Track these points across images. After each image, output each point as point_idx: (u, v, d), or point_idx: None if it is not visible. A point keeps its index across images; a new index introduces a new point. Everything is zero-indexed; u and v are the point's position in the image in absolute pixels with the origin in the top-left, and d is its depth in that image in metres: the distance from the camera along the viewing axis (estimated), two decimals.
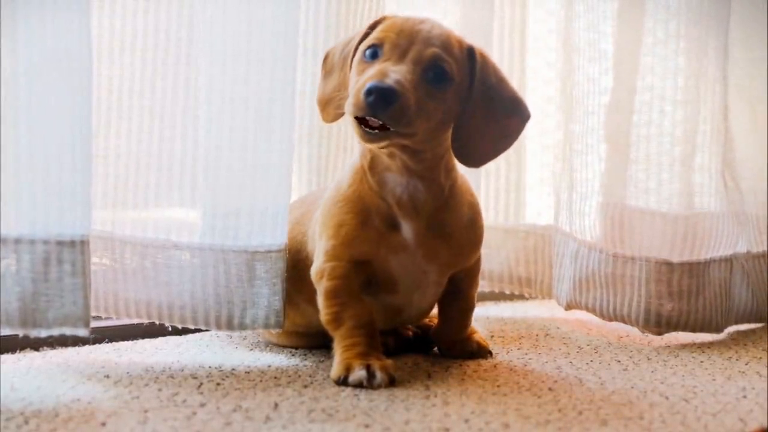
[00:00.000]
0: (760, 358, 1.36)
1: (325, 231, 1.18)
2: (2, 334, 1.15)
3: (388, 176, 1.16)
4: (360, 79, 1.08)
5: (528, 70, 1.67)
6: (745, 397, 1.12)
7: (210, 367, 1.20)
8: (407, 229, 1.17)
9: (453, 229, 1.20)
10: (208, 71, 1.22)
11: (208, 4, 1.22)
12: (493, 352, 1.32)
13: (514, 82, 1.48)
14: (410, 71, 1.08)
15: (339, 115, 1.18)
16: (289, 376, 1.16)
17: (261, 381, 1.13)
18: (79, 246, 1.08)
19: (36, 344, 1.26)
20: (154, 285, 1.23)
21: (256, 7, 1.21)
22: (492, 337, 1.45)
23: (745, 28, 1.63)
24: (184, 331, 1.36)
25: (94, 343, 1.31)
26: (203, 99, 1.23)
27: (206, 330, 1.34)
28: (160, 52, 1.24)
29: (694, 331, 1.49)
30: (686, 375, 1.23)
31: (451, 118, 1.15)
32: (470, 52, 1.16)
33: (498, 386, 1.13)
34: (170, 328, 1.28)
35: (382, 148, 1.12)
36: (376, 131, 1.07)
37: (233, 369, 1.19)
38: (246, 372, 1.18)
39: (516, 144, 1.26)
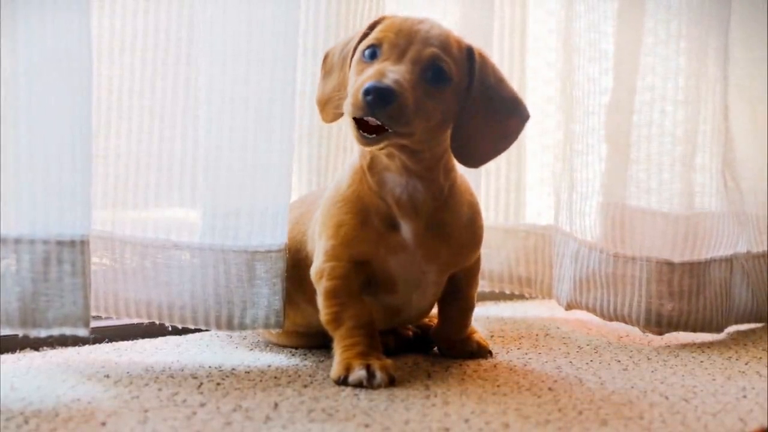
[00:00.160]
0: (760, 358, 1.36)
1: (325, 231, 1.18)
2: (2, 334, 1.15)
3: (388, 176, 1.16)
4: (359, 79, 1.08)
5: (528, 70, 1.67)
6: (745, 397, 1.12)
7: (210, 367, 1.20)
8: (406, 229, 1.17)
9: (452, 229, 1.20)
10: (208, 71, 1.22)
11: (208, 4, 1.22)
12: (493, 352, 1.32)
13: (514, 82, 1.48)
14: (409, 71, 1.08)
15: (338, 115, 1.18)
16: (289, 376, 1.16)
17: (261, 381, 1.13)
18: (79, 246, 1.08)
19: (36, 344, 1.26)
20: (154, 285, 1.23)
21: (256, 7, 1.21)
22: (492, 337, 1.45)
23: (745, 28, 1.63)
24: (184, 331, 1.36)
25: (94, 343, 1.31)
26: (203, 99, 1.23)
27: (206, 330, 1.35)
28: (160, 52, 1.24)
29: (694, 331, 1.49)
30: (686, 375, 1.23)
31: (450, 118, 1.14)
32: (469, 52, 1.16)
33: (498, 386, 1.13)
34: (170, 328, 1.29)
35: (381, 148, 1.12)
36: (373, 136, 1.07)
37: (233, 369, 1.19)
38: (246, 372, 1.18)
39: (516, 144, 1.26)
